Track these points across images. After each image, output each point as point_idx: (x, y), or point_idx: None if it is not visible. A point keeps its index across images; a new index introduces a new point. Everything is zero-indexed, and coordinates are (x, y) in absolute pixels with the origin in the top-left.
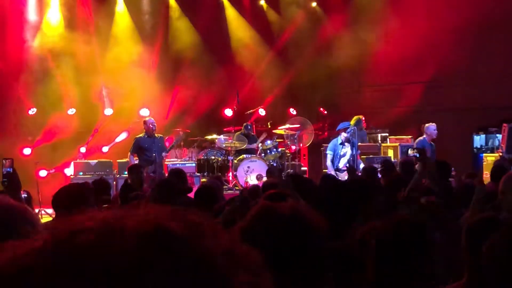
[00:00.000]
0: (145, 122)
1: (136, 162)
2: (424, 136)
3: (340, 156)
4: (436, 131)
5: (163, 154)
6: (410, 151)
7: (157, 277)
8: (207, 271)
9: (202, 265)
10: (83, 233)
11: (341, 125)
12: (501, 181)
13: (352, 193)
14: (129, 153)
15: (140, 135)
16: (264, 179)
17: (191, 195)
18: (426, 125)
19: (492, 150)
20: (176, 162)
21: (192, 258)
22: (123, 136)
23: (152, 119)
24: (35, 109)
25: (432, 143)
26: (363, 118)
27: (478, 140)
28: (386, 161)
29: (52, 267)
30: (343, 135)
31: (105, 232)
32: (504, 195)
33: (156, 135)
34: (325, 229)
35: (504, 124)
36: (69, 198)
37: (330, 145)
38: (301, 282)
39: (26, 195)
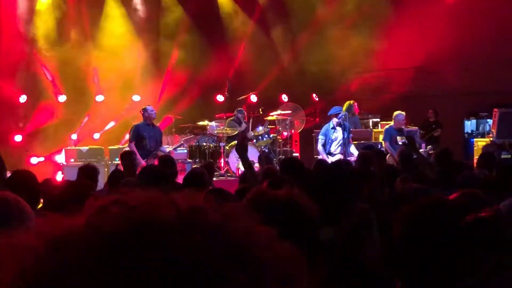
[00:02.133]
0: (145, 110)
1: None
2: (392, 123)
3: (331, 140)
4: (404, 121)
5: (161, 149)
6: (398, 139)
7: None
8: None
9: (241, 249)
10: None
11: (332, 110)
12: None
13: (348, 178)
14: (128, 142)
15: (139, 123)
16: (256, 165)
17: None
18: (396, 113)
19: (483, 135)
20: (168, 149)
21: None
22: (113, 122)
23: (151, 106)
24: (25, 96)
25: (401, 129)
26: (355, 104)
27: (469, 125)
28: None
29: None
30: (335, 120)
31: (92, 223)
32: None
33: (154, 124)
34: (318, 216)
35: (495, 109)
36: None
37: (322, 130)
38: None
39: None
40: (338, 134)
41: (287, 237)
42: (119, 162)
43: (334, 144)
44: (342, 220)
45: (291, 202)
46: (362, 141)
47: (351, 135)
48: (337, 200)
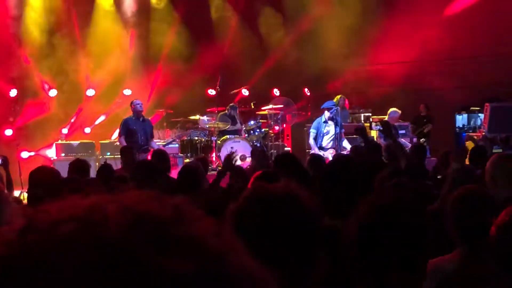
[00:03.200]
0: (132, 103)
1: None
2: (386, 119)
3: (323, 134)
4: (398, 118)
5: (151, 144)
6: (373, 125)
7: (143, 263)
8: (197, 252)
9: (191, 246)
10: (65, 223)
11: (326, 104)
12: (489, 163)
13: (356, 171)
14: (118, 136)
15: (128, 116)
16: (248, 159)
17: (174, 175)
18: (391, 109)
19: (474, 130)
20: (160, 143)
21: (179, 239)
22: (104, 115)
23: (139, 100)
24: (16, 90)
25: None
26: (346, 98)
27: (461, 119)
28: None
29: (28, 259)
30: (327, 113)
31: (87, 221)
32: (493, 179)
33: (145, 118)
34: (318, 210)
35: (486, 104)
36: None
37: (314, 123)
38: (295, 263)
39: (1, 161)
40: (330, 128)
41: (289, 231)
42: (109, 156)
43: (326, 138)
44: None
45: (291, 195)
46: (354, 136)
47: (343, 130)
48: (347, 192)
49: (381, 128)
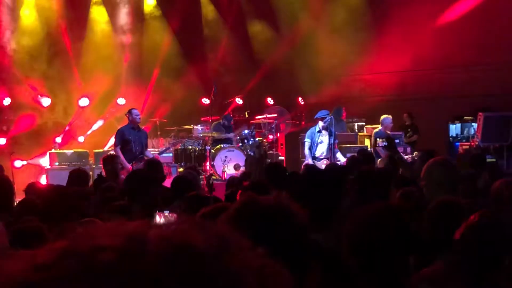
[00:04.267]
0: (130, 113)
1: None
2: (380, 127)
3: (317, 143)
4: (391, 124)
5: (146, 153)
6: (379, 140)
7: None
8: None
9: (230, 284)
10: (105, 251)
11: (319, 113)
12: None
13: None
14: (114, 146)
15: (124, 126)
16: (242, 168)
17: (168, 185)
18: (383, 116)
19: (467, 139)
20: (154, 152)
21: (219, 277)
22: (98, 124)
23: (137, 110)
24: (9, 99)
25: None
26: (343, 107)
27: (454, 129)
28: (363, 151)
29: (64, 285)
30: (321, 123)
31: (126, 251)
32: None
33: (140, 128)
34: (308, 221)
35: (480, 113)
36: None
37: (308, 133)
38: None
39: None
40: (324, 138)
41: (279, 243)
42: (102, 166)
43: (319, 148)
44: (332, 225)
45: (282, 208)
46: (348, 145)
47: (336, 140)
48: (324, 206)
49: (386, 144)
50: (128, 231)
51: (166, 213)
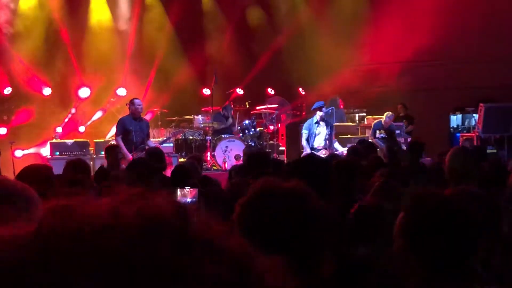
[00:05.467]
0: (132, 103)
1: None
2: (383, 118)
3: (315, 135)
4: (390, 120)
5: (148, 143)
6: (377, 132)
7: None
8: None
9: (210, 249)
10: (85, 224)
11: (316, 104)
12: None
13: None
14: (115, 136)
15: (125, 116)
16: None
17: (168, 174)
18: (386, 113)
19: (468, 130)
20: (155, 141)
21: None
22: (98, 114)
23: (139, 100)
24: (10, 89)
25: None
26: (340, 99)
27: (455, 120)
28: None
29: (44, 265)
30: (318, 114)
31: (106, 225)
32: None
33: (142, 117)
34: (325, 208)
35: (481, 104)
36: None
37: (306, 124)
38: (301, 260)
39: None
40: (322, 129)
41: (295, 228)
42: (104, 156)
43: (317, 139)
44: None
45: (299, 191)
46: (349, 136)
47: (334, 131)
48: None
49: (385, 136)
50: (101, 205)
51: (187, 188)
